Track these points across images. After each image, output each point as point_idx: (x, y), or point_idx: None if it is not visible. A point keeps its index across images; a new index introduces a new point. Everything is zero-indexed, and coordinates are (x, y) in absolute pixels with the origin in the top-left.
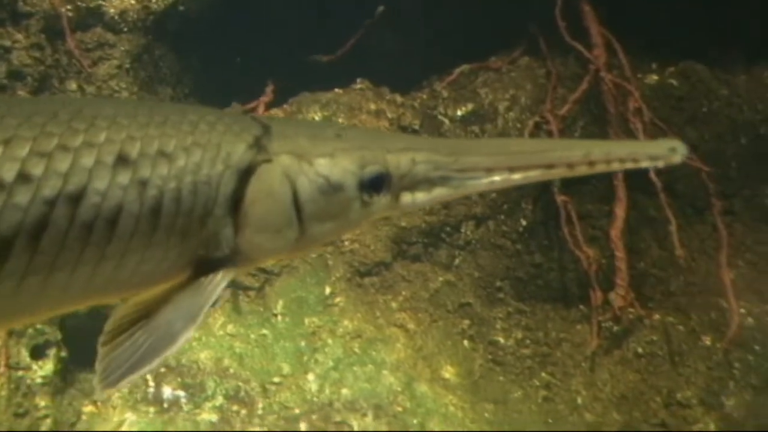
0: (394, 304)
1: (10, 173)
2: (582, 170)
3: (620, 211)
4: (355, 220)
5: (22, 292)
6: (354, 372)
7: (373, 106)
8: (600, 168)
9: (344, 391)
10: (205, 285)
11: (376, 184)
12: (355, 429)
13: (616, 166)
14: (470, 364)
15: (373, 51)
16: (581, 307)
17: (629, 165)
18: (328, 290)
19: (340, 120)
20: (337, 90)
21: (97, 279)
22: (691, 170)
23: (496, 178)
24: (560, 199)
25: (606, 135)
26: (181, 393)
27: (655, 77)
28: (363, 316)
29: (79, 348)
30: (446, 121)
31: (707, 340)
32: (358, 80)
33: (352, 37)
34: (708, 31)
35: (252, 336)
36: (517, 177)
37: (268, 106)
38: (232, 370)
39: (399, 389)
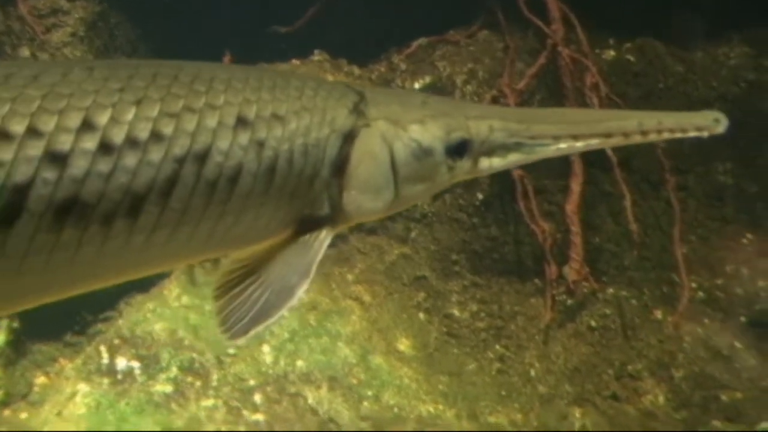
0: (350, 277)
1: (144, 132)
2: (636, 139)
3: (576, 185)
4: (441, 182)
5: (150, 246)
6: (309, 344)
7: (330, 78)
8: (651, 137)
9: (299, 362)
10: (311, 242)
11: (460, 150)
12: (310, 401)
13: (666, 136)
14: (425, 337)
15: (332, 23)
16: (536, 280)
17: (678, 134)
18: None
19: None
20: (294, 61)
21: (215, 234)
22: (647, 146)
23: (562, 145)
24: (517, 173)
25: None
26: (135, 364)
27: (612, 53)
28: (319, 289)
29: (31, 319)
30: None
31: (659, 314)
32: (316, 52)
33: (310, 9)
34: (665, 7)
35: (207, 308)
36: (579, 144)
37: None
38: (187, 342)
39: (354, 361)
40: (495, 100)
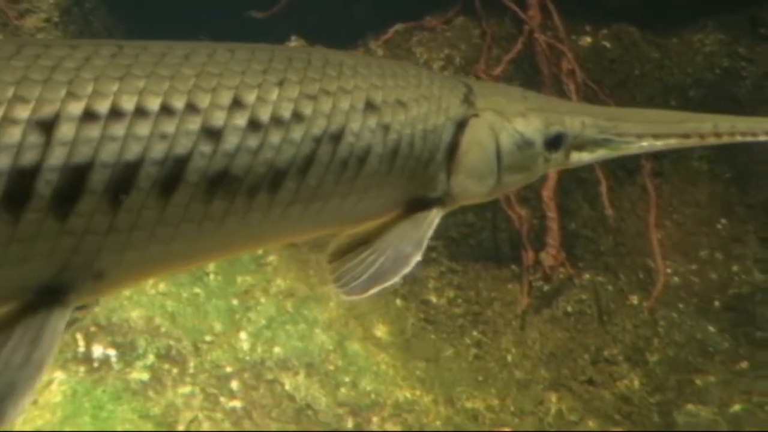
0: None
1: (287, 112)
2: (710, 140)
3: (552, 172)
4: (536, 172)
5: (284, 219)
6: (286, 330)
7: None
8: (725, 139)
9: (276, 349)
10: (422, 219)
11: (556, 143)
12: (287, 387)
13: (738, 138)
14: (402, 323)
15: (309, 8)
16: (512, 266)
17: (749, 138)
18: (260, 249)
19: None
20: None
21: (341, 210)
22: None
23: (644, 143)
24: None
25: None
26: (111, 352)
27: (588, 39)
28: (296, 275)
29: None
30: None
31: (634, 299)
32: (293, 37)
33: None
34: None
35: (184, 294)
36: (659, 143)
37: None
38: (163, 329)
39: (331, 348)
40: None
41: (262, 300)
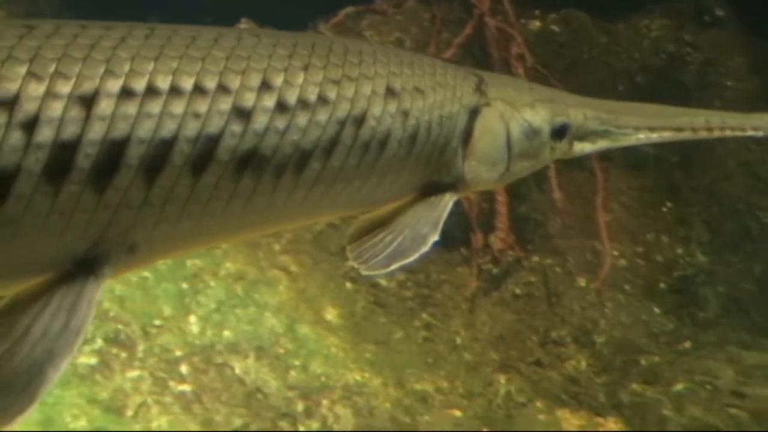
0: (276, 247)
1: (313, 95)
2: (702, 134)
3: None
4: (543, 161)
5: (308, 199)
6: (236, 314)
7: None
8: (715, 134)
9: (226, 333)
10: (437, 202)
11: (561, 133)
12: (237, 371)
13: (728, 133)
14: (352, 306)
15: None
16: (462, 249)
17: (738, 133)
18: None
19: None
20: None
21: (361, 192)
22: None
23: (641, 135)
24: None
25: None
26: None
27: (538, 23)
28: (245, 258)
29: None
30: None
31: (582, 281)
32: (243, 20)
33: None
34: None
35: (133, 278)
36: (654, 136)
37: None
38: (112, 313)
39: (281, 331)
40: None
41: (212, 283)
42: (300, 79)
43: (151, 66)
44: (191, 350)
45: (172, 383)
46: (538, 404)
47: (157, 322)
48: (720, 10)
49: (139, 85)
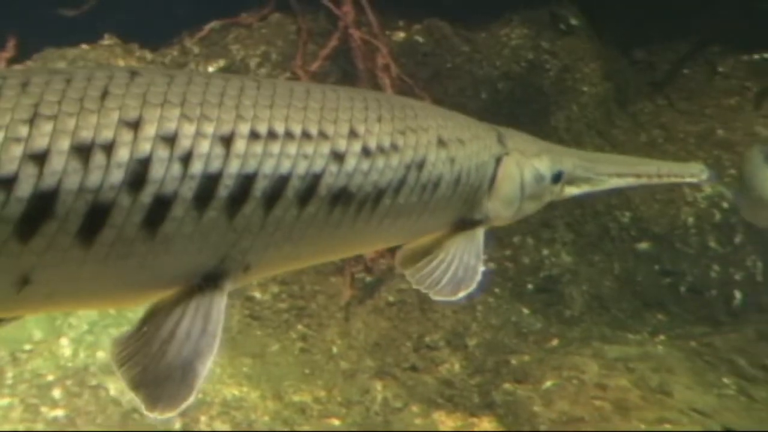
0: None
1: (387, 143)
2: (654, 181)
3: None
4: (543, 201)
5: (379, 229)
6: (110, 334)
7: (122, 63)
8: (664, 180)
9: (100, 354)
10: (473, 235)
11: (558, 178)
12: (112, 392)
13: (673, 180)
14: (228, 321)
15: (122, 5)
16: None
17: (678, 179)
18: None
19: None
20: (83, 46)
21: (416, 225)
22: None
23: (612, 180)
24: None
25: None
26: None
27: (402, 34)
28: None
29: None
30: None
31: None
32: (106, 36)
33: None
34: None
35: None
36: (621, 181)
37: (10, 61)
38: None
39: None
40: None
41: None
42: (377, 128)
43: (268, 113)
44: (64, 374)
45: (44, 409)
46: (414, 408)
47: (27, 346)
48: (574, 20)
49: (263, 129)
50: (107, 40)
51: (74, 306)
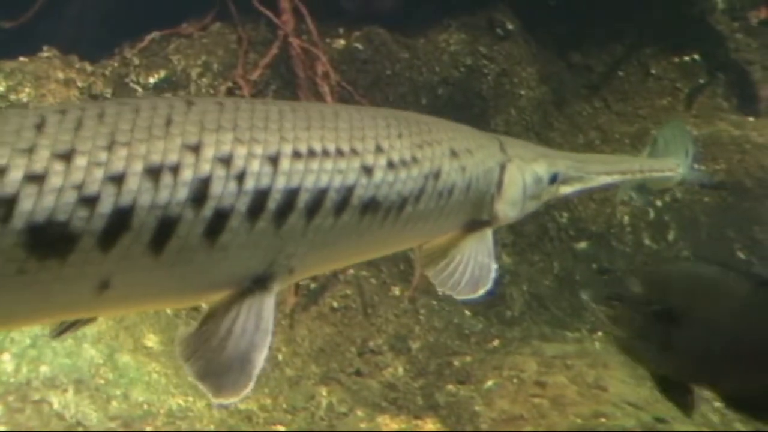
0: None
1: (408, 156)
2: (637, 176)
3: None
4: (542, 200)
5: (402, 232)
6: (53, 348)
7: (61, 75)
8: (646, 175)
9: (43, 368)
10: (483, 235)
11: (554, 179)
12: (56, 406)
13: (654, 175)
14: (173, 331)
15: (61, 17)
16: None
17: (658, 174)
18: None
19: (27, 90)
20: (22, 58)
21: (433, 228)
22: None
23: (601, 178)
24: None
25: (296, 98)
26: None
27: (342, 42)
28: None
29: None
30: (139, 88)
31: (396, 290)
32: (45, 48)
33: (36, 3)
34: None
35: None
36: (609, 179)
37: None
38: None
39: (101, 361)
40: (230, 92)
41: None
42: (398, 144)
43: (306, 134)
44: (5, 389)
45: None
46: (359, 413)
47: None
48: (511, 24)
49: (303, 148)
50: (46, 53)
51: (143, 307)
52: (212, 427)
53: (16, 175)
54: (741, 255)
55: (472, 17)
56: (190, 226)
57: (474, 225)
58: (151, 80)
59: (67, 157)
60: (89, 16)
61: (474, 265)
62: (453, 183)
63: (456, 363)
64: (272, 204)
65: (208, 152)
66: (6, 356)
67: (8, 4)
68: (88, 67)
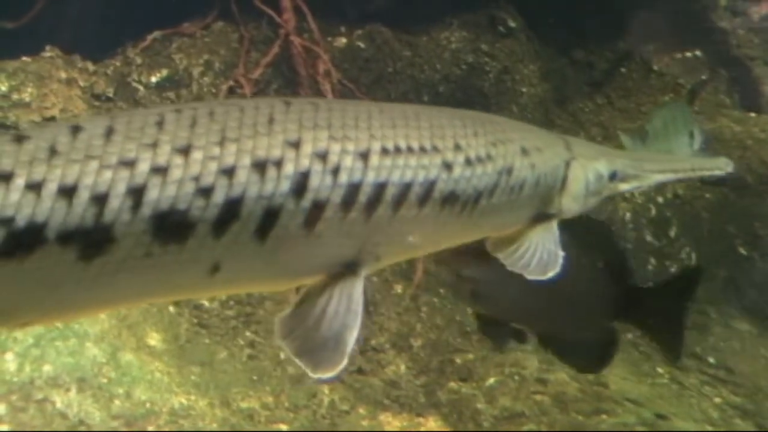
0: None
1: (483, 153)
2: (689, 175)
3: None
4: (602, 196)
5: (475, 225)
6: (56, 347)
7: (64, 75)
8: (698, 174)
9: (46, 367)
10: (549, 227)
11: (613, 177)
12: (59, 405)
13: (704, 173)
14: (176, 329)
15: (63, 17)
16: None
17: (707, 173)
18: None
19: (29, 90)
20: (24, 58)
21: (504, 221)
22: None
23: (655, 176)
24: None
25: (298, 96)
26: None
27: (344, 40)
28: None
29: None
30: (141, 88)
31: (399, 288)
32: (48, 48)
33: (38, 3)
34: None
35: None
36: (662, 177)
37: None
38: None
39: (104, 360)
40: (232, 91)
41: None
42: (474, 141)
43: (392, 132)
44: (8, 389)
45: None
46: (361, 410)
47: None
48: (512, 21)
49: (390, 145)
50: (48, 52)
51: (247, 289)
52: (215, 426)
53: (144, 167)
54: (742, 251)
55: (474, 15)
56: (290, 216)
57: (540, 218)
58: (153, 79)
59: (185, 151)
60: (91, 15)
61: (543, 251)
62: (524, 179)
63: (458, 360)
64: (363, 196)
65: (307, 148)
66: (9, 355)
67: (11, 4)
68: (91, 67)
